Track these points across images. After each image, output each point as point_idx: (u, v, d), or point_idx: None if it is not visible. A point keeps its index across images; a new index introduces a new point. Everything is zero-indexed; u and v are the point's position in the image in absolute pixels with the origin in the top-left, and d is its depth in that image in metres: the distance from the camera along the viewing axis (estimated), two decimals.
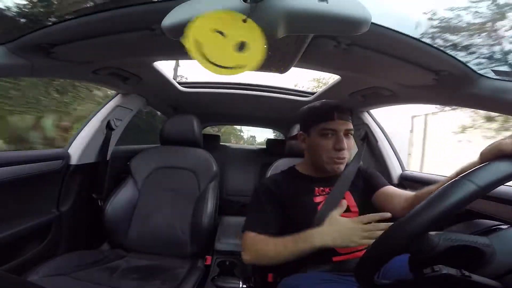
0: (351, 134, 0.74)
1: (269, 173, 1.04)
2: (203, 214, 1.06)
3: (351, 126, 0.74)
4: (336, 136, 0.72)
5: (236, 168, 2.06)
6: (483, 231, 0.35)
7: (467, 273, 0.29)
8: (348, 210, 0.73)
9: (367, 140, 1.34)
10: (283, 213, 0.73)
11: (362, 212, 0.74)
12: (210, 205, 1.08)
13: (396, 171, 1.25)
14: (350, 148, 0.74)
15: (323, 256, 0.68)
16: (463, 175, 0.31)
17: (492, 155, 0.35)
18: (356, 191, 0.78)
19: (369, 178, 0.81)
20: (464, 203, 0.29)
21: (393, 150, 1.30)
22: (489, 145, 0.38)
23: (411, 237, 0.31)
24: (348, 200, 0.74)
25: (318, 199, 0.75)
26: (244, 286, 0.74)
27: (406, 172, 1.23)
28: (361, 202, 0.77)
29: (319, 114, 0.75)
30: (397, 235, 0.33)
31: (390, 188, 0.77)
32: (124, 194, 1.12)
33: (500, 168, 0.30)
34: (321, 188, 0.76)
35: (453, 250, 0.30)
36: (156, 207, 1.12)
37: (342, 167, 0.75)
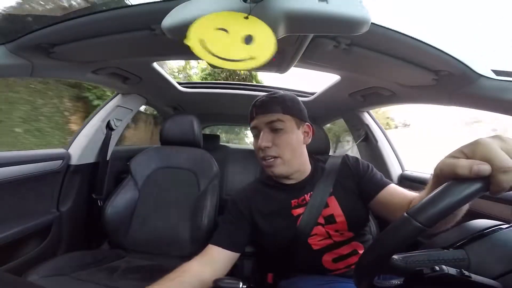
0: (279, 127, 0.63)
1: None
2: (203, 214, 1.06)
3: (273, 117, 0.63)
4: (259, 133, 0.65)
5: (236, 168, 2.06)
6: (476, 235, 0.34)
7: (467, 273, 0.29)
8: (332, 220, 0.64)
9: (367, 140, 1.34)
10: (258, 230, 0.67)
11: (350, 219, 0.63)
12: (210, 205, 1.08)
13: (396, 171, 1.25)
14: (279, 143, 0.63)
15: (313, 265, 0.64)
16: (409, 212, 0.30)
17: (446, 177, 0.30)
18: (343, 193, 0.66)
19: (364, 177, 0.67)
20: (410, 240, 0.29)
21: (392, 150, 1.30)
22: (446, 159, 0.31)
23: (373, 267, 0.33)
24: (332, 208, 0.64)
25: (296, 211, 0.65)
26: (244, 286, 0.74)
27: (406, 172, 1.23)
28: (350, 206, 0.65)
29: (249, 113, 0.70)
30: (363, 265, 0.34)
31: (392, 187, 0.64)
32: (124, 194, 1.12)
33: (445, 199, 0.28)
34: (301, 198, 0.67)
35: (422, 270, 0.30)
36: (156, 207, 1.12)
37: (276, 170, 0.64)
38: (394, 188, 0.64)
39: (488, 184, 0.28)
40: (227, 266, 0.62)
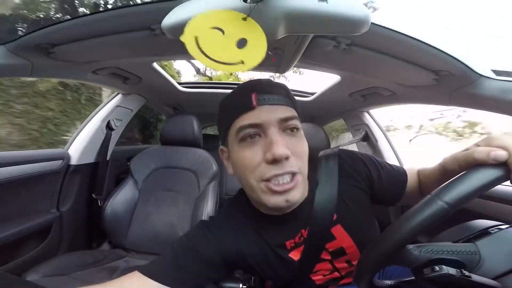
0: (296, 127, 0.43)
1: None
2: (203, 214, 1.06)
3: (288, 112, 0.42)
4: (264, 137, 0.41)
5: None
6: (479, 233, 0.35)
7: (467, 273, 0.29)
8: (342, 253, 0.49)
9: (367, 140, 1.34)
10: (248, 269, 0.50)
11: (363, 244, 0.48)
12: (210, 205, 1.08)
13: None
14: (298, 151, 0.42)
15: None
16: (434, 193, 0.31)
17: (467, 164, 0.32)
18: (351, 215, 0.49)
19: (380, 180, 0.52)
20: (435, 222, 0.30)
21: (392, 150, 1.30)
22: (464, 150, 0.33)
23: (387, 254, 0.32)
24: (340, 239, 0.48)
25: (295, 254, 0.49)
26: (244, 286, 0.74)
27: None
28: (362, 228, 0.50)
29: (232, 104, 0.45)
30: (375, 252, 0.34)
31: (410, 174, 0.54)
32: (124, 194, 1.12)
33: (471, 182, 0.30)
34: (297, 236, 0.49)
35: (435, 261, 0.31)
36: (156, 207, 1.12)
37: (296, 195, 0.42)
38: (410, 173, 0.55)
39: (508, 173, 0.29)
40: None
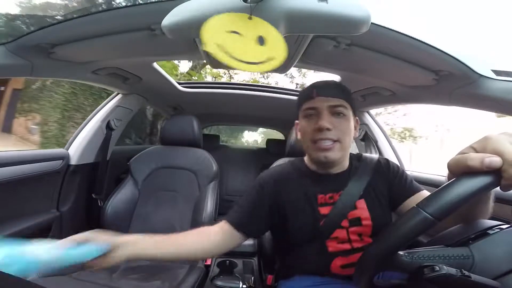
0: (342, 113, 0.62)
1: None
2: (203, 214, 1.06)
3: (337, 102, 0.62)
4: (318, 115, 0.62)
5: (236, 168, 2.06)
6: (478, 233, 0.34)
7: (467, 273, 0.29)
8: (357, 223, 0.61)
9: (367, 140, 1.34)
10: (282, 218, 0.64)
11: (376, 225, 0.61)
12: (209, 205, 1.08)
13: None
14: (340, 128, 0.61)
15: (321, 267, 0.62)
16: (419, 204, 0.30)
17: (458, 171, 0.30)
18: (374, 197, 0.63)
19: (394, 181, 0.66)
20: (420, 232, 0.29)
21: (393, 150, 1.30)
22: (456, 156, 0.32)
23: (378, 260, 0.32)
24: (360, 210, 0.61)
25: (323, 210, 0.62)
26: (244, 286, 0.74)
27: (406, 172, 1.23)
28: (379, 211, 0.62)
29: (302, 95, 0.68)
30: (369, 258, 0.34)
31: (423, 194, 0.62)
32: (124, 194, 1.12)
33: (455, 192, 0.28)
34: (328, 195, 0.63)
35: (426, 267, 0.30)
36: (156, 207, 1.12)
37: (333, 155, 0.61)
38: (425, 194, 0.61)
39: (499, 179, 0.28)
40: (230, 246, 0.63)
